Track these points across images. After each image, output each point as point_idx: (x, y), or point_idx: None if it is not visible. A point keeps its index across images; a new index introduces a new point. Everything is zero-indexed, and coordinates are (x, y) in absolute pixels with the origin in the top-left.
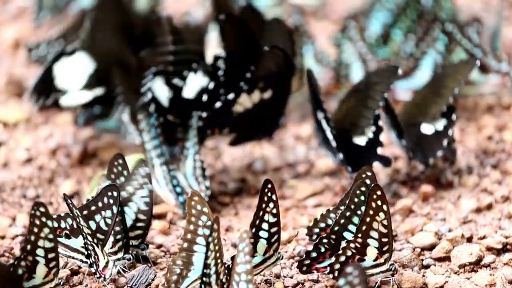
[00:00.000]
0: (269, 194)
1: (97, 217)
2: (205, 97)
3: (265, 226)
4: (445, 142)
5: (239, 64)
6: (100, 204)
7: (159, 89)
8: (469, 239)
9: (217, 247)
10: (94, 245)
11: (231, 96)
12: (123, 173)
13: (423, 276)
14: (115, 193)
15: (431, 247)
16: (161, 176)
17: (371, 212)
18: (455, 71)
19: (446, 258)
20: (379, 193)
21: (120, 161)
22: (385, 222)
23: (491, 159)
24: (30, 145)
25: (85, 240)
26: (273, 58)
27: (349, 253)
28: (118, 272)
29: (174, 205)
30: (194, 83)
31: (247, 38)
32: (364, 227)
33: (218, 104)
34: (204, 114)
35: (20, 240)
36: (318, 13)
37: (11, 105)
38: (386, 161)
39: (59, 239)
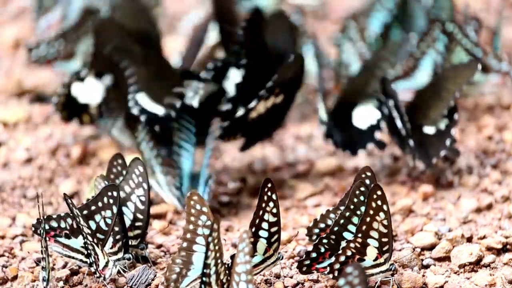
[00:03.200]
0: (269, 193)
1: (97, 217)
2: (228, 106)
3: (265, 225)
4: (448, 142)
5: (263, 74)
6: (100, 204)
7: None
8: (469, 239)
9: (217, 247)
10: (94, 245)
11: (253, 104)
12: (123, 173)
13: (423, 276)
14: (114, 193)
15: (431, 247)
16: (164, 184)
17: (371, 212)
18: (456, 74)
19: (446, 258)
20: (379, 193)
21: (120, 161)
22: (385, 222)
23: (491, 159)
24: (30, 145)
25: (85, 240)
26: (294, 68)
27: (349, 253)
28: (118, 272)
29: (181, 211)
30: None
31: (264, 45)
32: (364, 227)
33: (240, 113)
34: (226, 124)
35: (20, 240)
36: (318, 13)
37: (11, 105)
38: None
39: (59, 239)
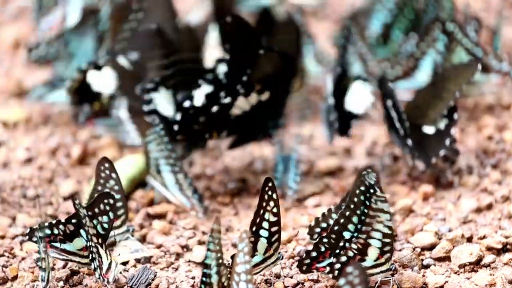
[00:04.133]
0: (269, 192)
1: (94, 222)
2: (204, 101)
3: (265, 225)
4: (447, 142)
5: (240, 67)
6: (96, 210)
7: (163, 101)
8: (469, 239)
9: (217, 247)
10: (99, 246)
11: (227, 100)
12: (112, 176)
13: (423, 276)
14: (111, 200)
15: (431, 247)
16: (172, 182)
17: (371, 213)
18: (456, 74)
19: (446, 258)
20: (380, 194)
21: (107, 165)
22: (387, 223)
23: (491, 159)
24: (30, 145)
25: (90, 242)
26: (269, 62)
27: (350, 253)
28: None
29: (191, 209)
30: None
31: (249, 41)
32: (366, 228)
33: (215, 108)
34: (201, 119)
35: (20, 240)
36: (318, 13)
37: (11, 105)
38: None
39: (54, 244)
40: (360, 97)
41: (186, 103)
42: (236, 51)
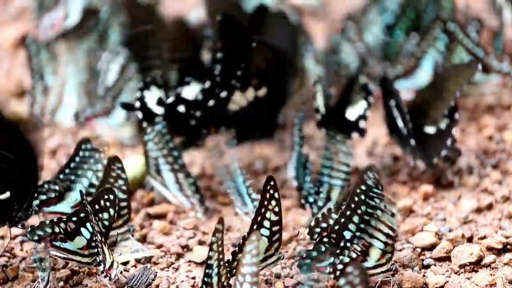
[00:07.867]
0: (271, 191)
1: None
2: (200, 96)
3: (266, 223)
4: (448, 142)
5: (235, 64)
6: (97, 206)
7: (152, 100)
8: (470, 239)
9: (220, 248)
10: (103, 244)
11: (223, 94)
12: (121, 176)
13: (424, 276)
14: (111, 196)
15: (432, 247)
16: (172, 181)
17: (374, 213)
18: (457, 74)
19: (446, 258)
20: (385, 195)
21: (117, 164)
22: (390, 224)
23: (491, 159)
24: None
25: (95, 238)
26: (261, 54)
27: (353, 255)
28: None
29: (190, 209)
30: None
31: (244, 38)
32: (369, 229)
33: (211, 103)
34: (198, 113)
35: (20, 240)
36: (318, 13)
37: (11, 105)
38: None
39: (55, 243)
40: (357, 105)
41: (180, 108)
42: (229, 47)
